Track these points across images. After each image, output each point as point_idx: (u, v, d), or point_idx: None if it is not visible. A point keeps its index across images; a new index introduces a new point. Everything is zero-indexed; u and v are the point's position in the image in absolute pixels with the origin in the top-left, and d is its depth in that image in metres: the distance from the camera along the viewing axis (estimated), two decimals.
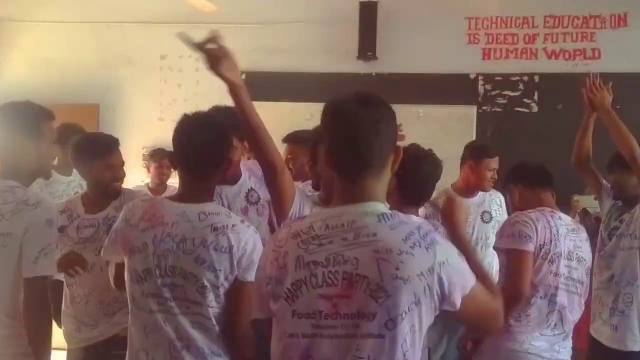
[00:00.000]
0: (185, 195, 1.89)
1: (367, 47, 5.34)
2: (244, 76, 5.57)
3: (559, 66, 5.30)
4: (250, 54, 5.60)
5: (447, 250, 1.35)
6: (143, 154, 5.46)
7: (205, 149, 1.89)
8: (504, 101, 5.36)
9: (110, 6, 5.69)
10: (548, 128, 5.09)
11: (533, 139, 5.05)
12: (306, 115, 5.29)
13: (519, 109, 5.33)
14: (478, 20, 5.41)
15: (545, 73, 5.28)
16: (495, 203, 3.59)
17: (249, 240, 1.82)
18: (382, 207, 1.37)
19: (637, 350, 2.90)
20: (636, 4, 5.16)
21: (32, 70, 5.77)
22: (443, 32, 5.35)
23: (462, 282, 1.34)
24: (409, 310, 1.28)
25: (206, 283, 1.78)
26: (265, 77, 5.53)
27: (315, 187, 2.52)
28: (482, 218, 3.52)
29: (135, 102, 5.71)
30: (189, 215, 1.82)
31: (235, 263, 1.80)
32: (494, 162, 3.44)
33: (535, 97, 5.31)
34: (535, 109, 5.31)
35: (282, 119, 5.41)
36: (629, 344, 2.90)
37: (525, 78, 5.35)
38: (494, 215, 3.54)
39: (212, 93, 5.72)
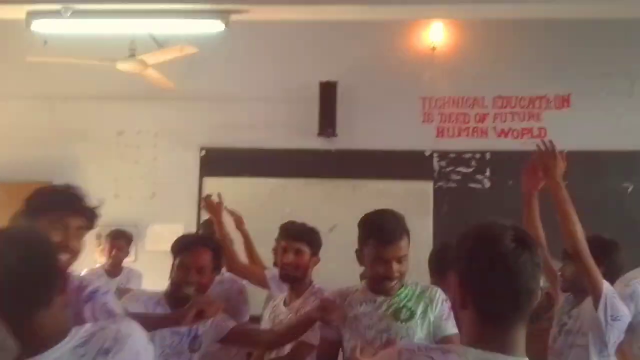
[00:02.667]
0: None
1: (327, 124, 5.46)
2: (203, 152, 5.72)
3: (508, 144, 5.51)
4: (210, 130, 5.66)
5: None
6: (97, 234, 5.27)
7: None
8: (458, 177, 5.51)
9: (67, 81, 5.59)
10: (500, 203, 5.20)
11: (486, 213, 5.11)
12: (266, 191, 5.32)
13: (472, 185, 5.48)
14: (432, 100, 5.63)
15: (496, 150, 5.48)
16: None
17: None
18: None
19: None
20: (578, 86, 5.46)
21: None
22: (399, 110, 5.53)
23: None
24: None
25: None
26: (226, 153, 5.57)
27: (284, 277, 2.62)
28: None
29: (90, 179, 5.60)
30: None
31: None
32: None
33: (487, 174, 5.47)
34: (487, 184, 5.46)
35: (242, 195, 5.42)
36: None
37: (478, 155, 5.53)
38: None
39: (170, 170, 5.79)
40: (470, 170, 5.51)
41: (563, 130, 5.42)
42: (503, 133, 5.57)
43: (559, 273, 2.76)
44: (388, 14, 4.28)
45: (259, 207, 5.15)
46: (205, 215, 5.26)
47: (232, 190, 5.51)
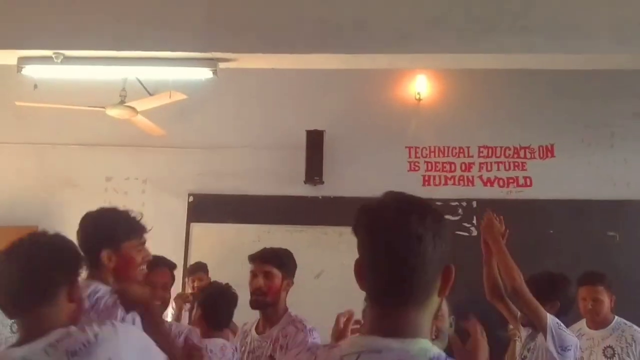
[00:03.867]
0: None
1: (313, 172, 5.50)
2: (191, 198, 5.72)
3: (494, 193, 5.57)
4: (197, 177, 5.68)
5: None
6: (83, 280, 5.23)
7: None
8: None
9: (56, 127, 5.68)
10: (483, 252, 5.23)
11: (473, 261, 5.13)
12: (253, 237, 5.31)
13: (459, 233, 5.49)
14: (417, 149, 5.70)
15: (482, 199, 5.53)
16: None
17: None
18: (430, 345, 1.10)
19: None
20: (562, 137, 5.57)
21: None
22: (385, 159, 5.59)
23: None
24: None
25: None
26: (212, 200, 5.58)
27: (253, 304, 2.51)
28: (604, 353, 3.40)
29: (77, 224, 5.56)
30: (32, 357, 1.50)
31: None
32: None
33: (474, 222, 5.50)
34: (474, 232, 5.48)
35: (227, 241, 5.41)
36: None
37: (464, 203, 5.57)
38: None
39: (158, 215, 5.76)
40: (457, 218, 5.54)
41: (547, 179, 5.51)
42: (489, 182, 5.63)
43: (519, 309, 2.98)
44: (371, 64, 4.39)
45: (245, 253, 5.11)
46: (191, 260, 5.25)
47: (218, 236, 5.52)
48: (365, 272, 1.14)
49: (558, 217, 5.36)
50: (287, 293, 2.56)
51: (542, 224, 5.33)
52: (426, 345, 1.09)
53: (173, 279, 2.92)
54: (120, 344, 1.53)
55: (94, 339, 1.50)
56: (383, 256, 1.11)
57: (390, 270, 1.10)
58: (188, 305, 4.34)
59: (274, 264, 2.53)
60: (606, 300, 3.42)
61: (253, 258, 2.59)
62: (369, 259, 1.13)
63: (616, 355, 3.36)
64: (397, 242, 1.10)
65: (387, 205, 1.14)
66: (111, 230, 2.08)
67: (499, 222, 3.07)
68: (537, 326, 2.80)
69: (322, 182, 5.53)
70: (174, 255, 3.27)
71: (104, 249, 2.02)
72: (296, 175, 5.52)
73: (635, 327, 3.41)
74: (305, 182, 5.53)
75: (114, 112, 4.84)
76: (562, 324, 2.78)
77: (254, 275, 2.55)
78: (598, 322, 3.45)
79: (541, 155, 5.62)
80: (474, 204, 5.54)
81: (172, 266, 2.90)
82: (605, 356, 3.38)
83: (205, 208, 5.60)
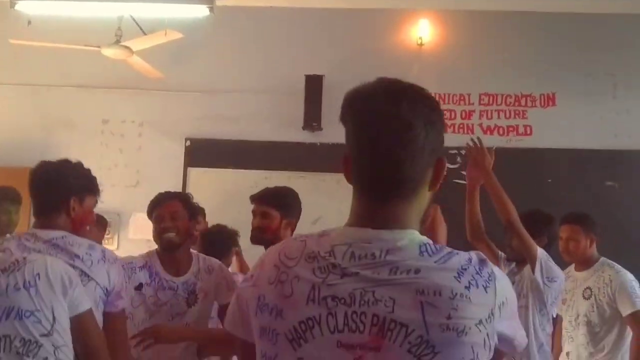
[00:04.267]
0: None
1: (312, 118, 5.44)
2: (188, 143, 5.68)
3: (493, 141, 5.49)
4: (195, 121, 5.63)
5: (505, 285, 1.07)
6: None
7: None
8: (444, 173, 5.51)
9: (52, 69, 5.60)
10: (483, 199, 5.24)
11: None
12: (250, 183, 5.29)
13: (457, 181, 5.48)
14: None
15: None
16: None
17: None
18: (419, 235, 1.07)
19: None
20: (564, 85, 5.50)
21: None
22: None
23: (515, 330, 1.09)
24: None
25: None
26: (210, 145, 5.55)
27: (252, 240, 2.55)
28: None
29: None
30: None
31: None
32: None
33: None
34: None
35: (225, 186, 5.41)
36: None
37: (463, 152, 5.54)
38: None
39: (154, 159, 5.75)
40: (456, 166, 5.52)
41: (548, 128, 5.47)
42: (489, 130, 5.60)
43: (508, 244, 3.15)
44: (372, 1, 4.27)
45: (243, 198, 5.11)
46: None
47: (216, 182, 5.52)
48: (353, 164, 1.09)
49: (557, 166, 5.35)
50: (290, 231, 2.59)
51: (541, 173, 5.33)
52: (416, 235, 1.07)
53: (186, 209, 2.73)
54: (48, 263, 1.63)
55: (23, 259, 1.61)
56: (372, 146, 1.05)
57: (379, 161, 1.05)
58: None
59: (272, 205, 2.57)
60: (582, 241, 3.45)
61: (253, 198, 2.65)
62: (357, 150, 1.08)
63: (593, 296, 3.40)
64: (387, 131, 1.04)
65: (376, 91, 1.08)
66: (87, 180, 2.12)
67: (489, 153, 3.04)
68: (527, 258, 2.94)
69: (321, 129, 5.48)
70: None
71: (74, 196, 2.05)
72: (294, 120, 5.47)
73: (617, 267, 3.44)
74: (304, 128, 5.49)
75: (109, 52, 4.76)
76: (550, 258, 2.95)
77: (253, 214, 2.60)
78: (581, 262, 3.50)
79: (542, 104, 5.57)
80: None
81: (183, 198, 2.78)
82: (584, 297, 3.44)
83: (203, 153, 5.57)
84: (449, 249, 1.06)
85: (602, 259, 3.50)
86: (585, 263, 3.48)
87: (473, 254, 1.06)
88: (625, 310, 3.31)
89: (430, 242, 1.06)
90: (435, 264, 1.02)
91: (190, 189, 5.53)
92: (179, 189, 5.41)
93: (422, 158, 1.06)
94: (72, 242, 1.97)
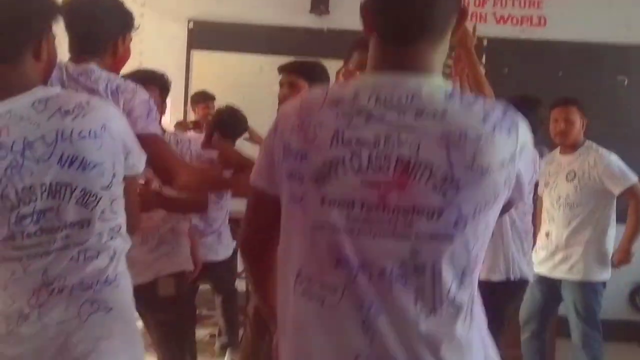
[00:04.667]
0: None
1: (319, 0, 5.24)
2: (191, 25, 5.52)
3: (506, 31, 5.36)
4: (199, 1, 5.43)
5: (527, 131, 1.11)
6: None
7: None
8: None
9: None
10: (494, 89, 5.17)
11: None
12: (255, 68, 5.21)
13: None
14: None
15: (493, 37, 5.34)
16: None
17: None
18: (445, 81, 1.10)
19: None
20: None
21: None
22: None
23: (528, 175, 1.12)
24: (485, 207, 1.04)
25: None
26: (214, 27, 5.39)
27: None
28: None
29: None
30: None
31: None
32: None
33: (483, 60, 5.37)
34: (482, 71, 5.37)
35: (229, 71, 5.32)
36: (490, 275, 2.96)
37: (475, 41, 5.38)
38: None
39: (157, 41, 5.60)
40: None
41: (562, 19, 5.28)
42: (502, 19, 5.41)
43: None
44: None
45: (248, 83, 5.07)
46: (193, 89, 5.21)
47: (220, 65, 5.41)
48: (376, 13, 1.11)
49: (568, 58, 5.22)
50: None
51: (552, 66, 5.22)
52: (442, 81, 1.10)
53: (162, 99, 2.74)
54: (111, 115, 1.50)
55: (87, 104, 1.45)
56: None
57: (409, 1, 1.07)
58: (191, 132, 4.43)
59: (299, 75, 2.50)
60: (578, 122, 3.47)
61: (281, 68, 2.58)
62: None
63: (576, 178, 3.43)
64: None
65: None
66: (130, 17, 2.01)
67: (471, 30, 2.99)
68: None
69: (328, 12, 5.29)
70: (175, 83, 3.22)
71: (123, 34, 1.97)
72: (301, 2, 5.27)
73: (602, 149, 3.47)
74: (311, 11, 5.30)
75: None
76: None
77: (280, 85, 2.54)
78: (568, 146, 3.52)
79: None
80: (485, 42, 5.36)
81: (161, 84, 2.74)
82: (567, 180, 3.47)
83: (206, 35, 5.42)
84: (473, 95, 1.09)
85: (588, 142, 3.51)
86: (573, 146, 3.50)
87: (497, 102, 1.11)
88: (617, 189, 3.36)
89: (458, 90, 1.10)
90: (460, 107, 1.05)
91: (193, 72, 5.46)
92: (182, 71, 5.34)
93: (451, 2, 1.10)
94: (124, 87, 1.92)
